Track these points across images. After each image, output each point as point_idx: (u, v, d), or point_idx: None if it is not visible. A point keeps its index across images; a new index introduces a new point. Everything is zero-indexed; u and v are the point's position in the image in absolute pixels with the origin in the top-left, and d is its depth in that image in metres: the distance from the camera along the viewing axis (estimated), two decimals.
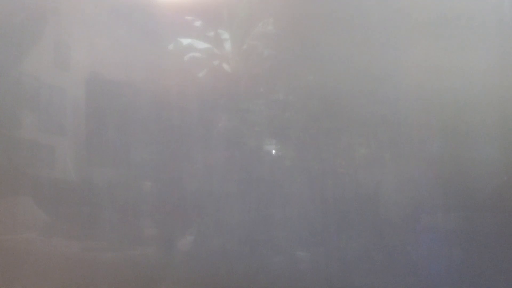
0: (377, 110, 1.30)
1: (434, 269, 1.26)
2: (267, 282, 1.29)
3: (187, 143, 1.35)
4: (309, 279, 1.29)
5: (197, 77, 1.40)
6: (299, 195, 1.30)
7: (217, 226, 1.32)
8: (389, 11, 1.32)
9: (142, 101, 1.35)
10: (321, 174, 1.31)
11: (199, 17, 1.41)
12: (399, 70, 1.31)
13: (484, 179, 1.27)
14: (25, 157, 1.36)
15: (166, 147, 1.35)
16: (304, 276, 1.29)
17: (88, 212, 1.33)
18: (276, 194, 1.31)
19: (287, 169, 1.34)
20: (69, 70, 1.40)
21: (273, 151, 1.38)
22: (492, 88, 1.28)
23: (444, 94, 1.28)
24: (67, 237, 1.36)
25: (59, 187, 1.36)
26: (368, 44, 1.31)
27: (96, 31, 1.39)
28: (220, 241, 1.32)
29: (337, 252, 1.29)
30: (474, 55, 1.28)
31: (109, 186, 1.35)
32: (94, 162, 1.37)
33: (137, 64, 1.37)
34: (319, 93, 1.34)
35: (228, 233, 1.32)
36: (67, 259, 1.34)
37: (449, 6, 1.30)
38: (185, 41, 1.41)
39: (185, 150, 1.35)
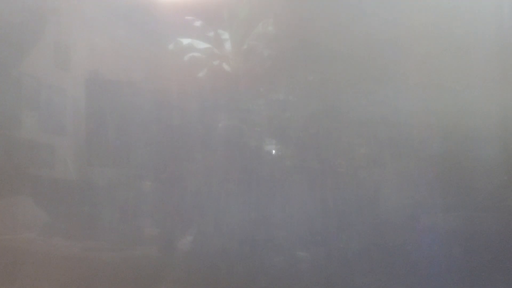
0: (377, 110, 1.30)
1: (434, 269, 1.26)
2: (267, 282, 1.29)
3: (187, 143, 1.35)
4: (309, 279, 1.29)
5: (197, 77, 1.40)
6: (299, 195, 1.30)
7: (217, 226, 1.32)
8: (389, 11, 1.32)
9: (142, 101, 1.35)
10: (321, 174, 1.31)
11: (199, 17, 1.41)
12: (399, 70, 1.31)
13: (484, 179, 1.27)
14: (25, 157, 1.36)
15: (166, 147, 1.35)
16: (304, 276, 1.29)
17: (88, 212, 1.33)
18: (276, 194, 1.31)
19: (287, 169, 1.34)
20: (69, 70, 1.40)
21: (273, 151, 1.38)
22: (492, 88, 1.28)
23: (444, 94, 1.28)
24: (67, 237, 1.36)
25: (59, 187, 1.36)
26: (368, 44, 1.31)
27: (96, 31, 1.39)
28: (220, 241, 1.32)
29: (337, 252, 1.29)
30: (474, 55, 1.29)
31: (109, 186, 1.35)
32: (94, 162, 1.37)
33: (137, 64, 1.37)
34: (319, 93, 1.34)
35: (228, 233, 1.32)
36: (67, 259, 1.34)
37: (450, 5, 1.30)
38: (185, 41, 1.41)
39: (185, 150, 1.35)
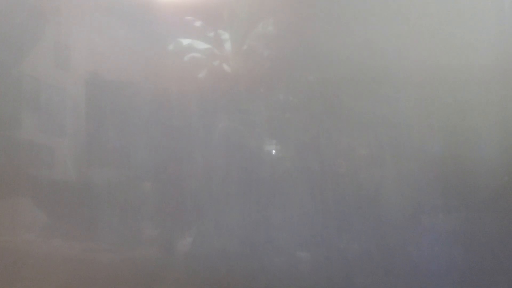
0: (377, 110, 1.30)
1: (434, 270, 1.26)
2: (267, 282, 1.29)
3: (187, 143, 1.35)
4: (309, 280, 1.29)
5: (197, 77, 1.39)
6: (300, 195, 1.30)
7: (217, 227, 1.32)
8: (389, 10, 1.32)
9: (142, 101, 1.35)
10: (321, 175, 1.31)
11: (199, 17, 1.41)
12: (399, 70, 1.31)
13: (484, 179, 1.27)
14: (25, 157, 1.36)
15: (166, 148, 1.35)
16: (304, 277, 1.29)
17: (88, 213, 1.33)
18: (276, 194, 1.31)
19: (288, 170, 1.34)
20: (69, 70, 1.40)
21: (274, 152, 1.38)
22: (492, 88, 1.28)
23: (444, 94, 1.29)
24: (67, 238, 1.35)
25: (59, 188, 1.36)
26: (368, 44, 1.31)
27: (96, 31, 1.39)
28: (220, 242, 1.32)
29: (337, 253, 1.29)
30: (474, 55, 1.29)
31: (109, 186, 1.34)
32: (94, 162, 1.37)
33: (137, 64, 1.36)
34: (319, 93, 1.34)
35: (228, 234, 1.32)
36: (67, 260, 1.33)
37: (450, 5, 1.31)
38: (185, 41, 1.41)
39: (185, 151, 1.34)
